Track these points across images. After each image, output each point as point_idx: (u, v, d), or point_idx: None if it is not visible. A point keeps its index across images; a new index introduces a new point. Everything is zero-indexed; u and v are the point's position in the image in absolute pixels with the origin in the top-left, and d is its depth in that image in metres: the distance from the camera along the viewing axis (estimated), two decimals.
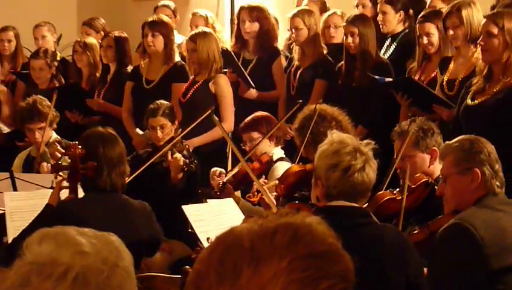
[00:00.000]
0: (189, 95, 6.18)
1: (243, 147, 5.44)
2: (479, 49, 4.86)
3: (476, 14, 5.17)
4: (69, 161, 4.15)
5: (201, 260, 1.34)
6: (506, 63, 4.68)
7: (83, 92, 6.86)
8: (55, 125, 5.86)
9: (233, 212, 4.63)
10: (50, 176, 5.12)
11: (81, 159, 4.06)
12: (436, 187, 4.01)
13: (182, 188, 5.39)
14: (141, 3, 9.62)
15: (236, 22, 7.06)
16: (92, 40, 7.21)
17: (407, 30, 6.27)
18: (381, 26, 6.25)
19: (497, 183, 3.59)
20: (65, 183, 4.30)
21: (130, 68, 6.83)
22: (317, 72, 6.24)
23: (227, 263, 1.29)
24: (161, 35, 6.45)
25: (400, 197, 4.11)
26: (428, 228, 3.80)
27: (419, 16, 5.65)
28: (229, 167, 6.30)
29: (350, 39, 5.89)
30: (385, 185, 4.36)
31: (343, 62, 6.05)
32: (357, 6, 6.81)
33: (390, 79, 5.60)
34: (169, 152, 5.38)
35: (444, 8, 5.47)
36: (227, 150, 6.47)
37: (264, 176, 5.19)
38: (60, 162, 5.07)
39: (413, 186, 4.22)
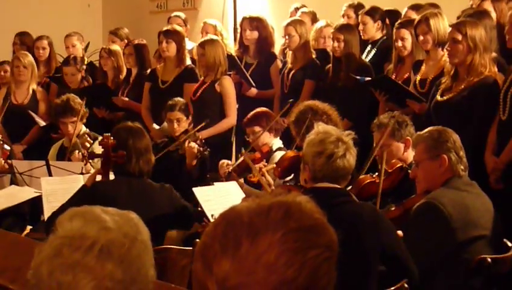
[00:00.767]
0: (198, 94, 6.18)
1: (247, 139, 5.44)
2: (446, 53, 4.86)
3: (442, 23, 5.18)
4: (102, 150, 4.17)
5: (207, 233, 1.34)
6: (469, 64, 4.67)
7: (109, 91, 6.86)
8: (84, 120, 5.86)
9: (236, 194, 4.64)
10: (80, 164, 5.13)
11: (112, 149, 4.09)
12: (409, 171, 4.02)
13: (196, 174, 5.39)
14: (157, 14, 9.62)
15: (239, 30, 7.06)
16: (116, 47, 7.20)
17: (384, 37, 6.26)
18: (361, 34, 6.24)
19: (462, 167, 3.61)
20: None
21: (148, 71, 6.84)
22: (307, 73, 6.22)
23: (229, 235, 1.29)
24: (174, 42, 6.45)
25: (379, 180, 4.12)
26: (403, 206, 3.80)
27: (396, 23, 5.65)
28: (233, 155, 6.31)
29: (336, 44, 5.88)
30: (365, 170, 4.37)
31: (330, 64, 6.04)
32: (343, 16, 6.80)
33: (369, 78, 5.60)
34: (186, 142, 5.40)
35: (417, 18, 5.47)
36: (232, 141, 6.48)
37: (263, 162, 5.20)
38: (93, 151, 5.08)
39: (390, 170, 4.22)
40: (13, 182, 5.32)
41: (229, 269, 1.27)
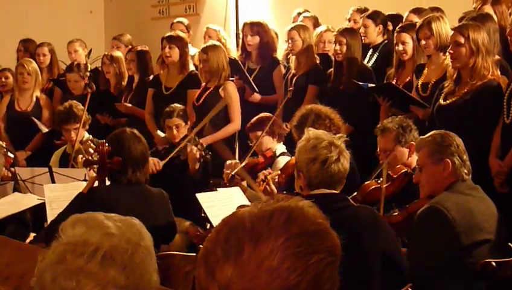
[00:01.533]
0: (202, 100, 6.18)
1: (251, 144, 5.44)
2: (448, 56, 4.86)
3: (444, 26, 5.16)
4: (98, 156, 4.16)
5: (210, 239, 1.34)
6: (472, 68, 4.66)
7: (112, 98, 6.87)
8: (87, 126, 5.87)
9: (239, 199, 4.64)
10: (83, 171, 5.13)
11: (108, 155, 4.07)
12: (413, 177, 4.02)
13: (199, 179, 5.39)
14: (159, 20, 9.63)
15: (241, 35, 7.07)
16: (118, 53, 7.21)
17: (386, 41, 6.27)
18: (362, 37, 6.25)
19: (465, 171, 3.60)
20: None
21: (151, 77, 6.85)
22: (310, 79, 6.21)
23: (232, 241, 1.29)
24: (177, 47, 6.45)
25: (385, 185, 4.12)
26: (406, 210, 3.80)
27: (398, 27, 5.65)
28: (236, 160, 6.30)
29: (338, 47, 5.88)
30: (373, 177, 4.36)
31: (332, 69, 6.05)
32: (349, 20, 6.80)
33: (373, 85, 5.61)
34: (187, 147, 5.40)
35: (418, 22, 5.47)
36: (235, 147, 6.48)
37: (269, 169, 5.19)
38: (91, 158, 5.08)
39: (394, 176, 4.22)
40: (16, 189, 5.32)
41: (231, 274, 1.27)
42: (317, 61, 6.33)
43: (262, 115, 5.56)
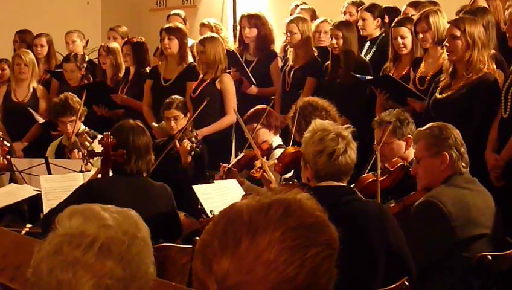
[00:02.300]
0: (198, 92, 6.17)
1: (247, 136, 5.43)
2: (445, 50, 4.85)
3: (442, 20, 5.15)
4: (102, 148, 4.15)
5: (207, 231, 1.34)
6: (468, 61, 4.66)
7: (108, 89, 6.85)
8: (83, 118, 5.85)
9: (236, 191, 4.63)
10: (79, 162, 5.13)
11: (112, 147, 4.07)
12: (410, 169, 4.01)
13: (192, 173, 5.38)
14: (156, 12, 9.61)
15: (238, 27, 7.05)
16: (115, 44, 7.20)
17: (383, 34, 6.26)
18: (361, 30, 6.24)
19: (463, 164, 3.59)
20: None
21: (148, 69, 6.83)
22: (308, 71, 6.21)
23: (229, 233, 1.29)
24: (176, 39, 6.44)
25: (381, 178, 4.12)
26: (403, 203, 3.80)
27: (395, 21, 5.63)
28: (233, 153, 6.31)
29: (335, 41, 5.88)
30: (367, 170, 4.36)
31: (329, 61, 6.04)
32: (344, 13, 6.79)
33: (371, 77, 5.60)
34: (177, 140, 5.40)
35: (416, 15, 5.46)
36: (232, 138, 6.48)
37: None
38: (93, 150, 5.07)
39: (391, 169, 4.22)
40: (12, 180, 5.32)
41: (228, 267, 1.27)
42: (316, 54, 6.32)
43: (258, 107, 5.55)
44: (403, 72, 5.50)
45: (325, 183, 3.22)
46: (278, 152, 5.16)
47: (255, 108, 5.54)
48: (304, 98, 5.00)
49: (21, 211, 5.09)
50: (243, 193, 4.55)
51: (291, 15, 6.95)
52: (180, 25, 6.71)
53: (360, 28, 6.26)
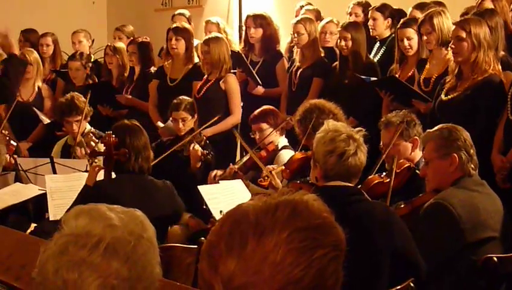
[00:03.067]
0: (203, 92, 6.17)
1: (252, 136, 5.43)
2: (450, 51, 4.84)
3: (446, 22, 5.15)
4: (104, 148, 4.18)
5: (213, 232, 1.34)
6: (473, 62, 4.65)
7: (113, 89, 6.86)
8: (89, 118, 5.86)
9: (242, 191, 4.64)
10: (84, 161, 5.14)
11: (114, 147, 4.09)
12: (417, 171, 4.00)
13: (201, 177, 5.38)
14: (161, 12, 9.62)
15: (244, 28, 7.05)
16: (121, 44, 7.21)
17: (393, 35, 6.25)
18: (371, 30, 6.24)
19: (472, 166, 3.59)
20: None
21: (153, 69, 6.83)
22: (315, 71, 6.21)
23: (235, 234, 1.29)
24: (183, 39, 6.44)
25: (388, 180, 4.11)
26: (412, 204, 3.79)
27: (400, 23, 5.63)
28: (237, 153, 6.31)
29: (343, 43, 5.88)
30: (375, 171, 4.36)
31: (337, 62, 6.03)
32: (350, 14, 6.78)
33: (375, 78, 5.60)
34: (190, 143, 5.40)
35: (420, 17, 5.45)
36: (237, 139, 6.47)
37: (272, 165, 5.19)
38: (96, 149, 5.09)
39: (397, 170, 4.21)
40: (18, 179, 5.33)
41: (234, 268, 1.27)
42: (322, 54, 6.32)
43: (265, 107, 5.55)
44: (409, 74, 5.50)
45: (333, 183, 3.24)
46: (284, 153, 5.16)
47: (261, 108, 5.54)
48: (311, 100, 4.99)
49: (26, 210, 5.10)
50: (248, 192, 4.55)
51: (296, 16, 6.95)
52: (187, 26, 6.72)
53: (370, 27, 6.26)
